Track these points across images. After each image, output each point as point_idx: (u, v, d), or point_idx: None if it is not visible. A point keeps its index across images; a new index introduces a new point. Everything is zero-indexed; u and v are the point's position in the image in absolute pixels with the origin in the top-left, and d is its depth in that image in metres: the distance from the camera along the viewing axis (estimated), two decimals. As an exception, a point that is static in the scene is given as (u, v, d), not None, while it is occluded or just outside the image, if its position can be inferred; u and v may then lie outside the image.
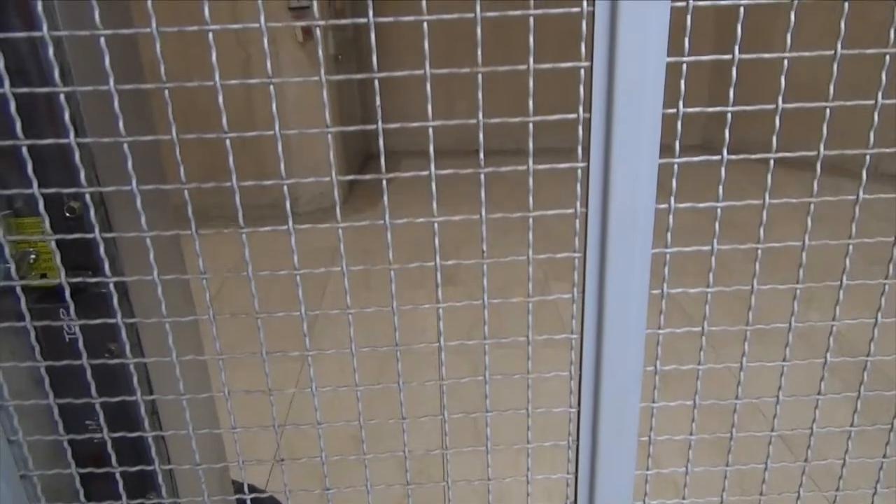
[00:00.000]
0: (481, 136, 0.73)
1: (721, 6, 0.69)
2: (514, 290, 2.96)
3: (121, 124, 0.67)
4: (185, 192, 0.70)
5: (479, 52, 0.69)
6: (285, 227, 0.74)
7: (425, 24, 0.67)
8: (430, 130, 0.71)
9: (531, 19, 0.68)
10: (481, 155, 0.74)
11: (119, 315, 0.79)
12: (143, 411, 0.83)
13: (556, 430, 0.88)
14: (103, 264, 0.74)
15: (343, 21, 0.70)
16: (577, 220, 0.75)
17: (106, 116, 0.82)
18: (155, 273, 0.75)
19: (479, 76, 0.70)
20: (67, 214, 0.85)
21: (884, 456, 0.89)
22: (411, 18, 0.68)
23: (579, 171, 0.73)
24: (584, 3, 0.66)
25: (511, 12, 0.68)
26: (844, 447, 0.87)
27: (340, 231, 0.74)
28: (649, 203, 0.73)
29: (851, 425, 0.87)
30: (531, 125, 0.71)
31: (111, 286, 0.80)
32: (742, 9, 0.68)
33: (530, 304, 0.80)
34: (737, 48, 0.69)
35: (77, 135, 0.80)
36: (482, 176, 0.74)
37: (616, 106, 0.69)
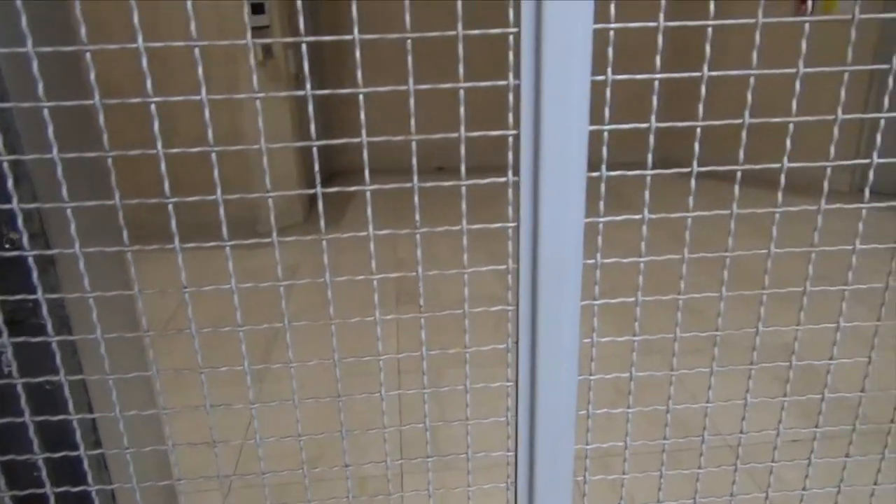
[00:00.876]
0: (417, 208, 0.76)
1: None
2: (474, 304, 3.00)
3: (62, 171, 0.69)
4: (127, 241, 0.72)
5: (413, 122, 0.73)
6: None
7: (360, 97, 0.70)
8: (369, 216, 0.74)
9: (461, 91, 0.72)
10: (417, 217, 0.78)
11: (59, 357, 0.80)
12: (86, 464, 0.84)
13: (499, 470, 0.92)
14: (41, 306, 0.75)
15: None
16: (510, 276, 0.79)
17: (49, 150, 0.83)
18: (96, 321, 0.76)
19: (413, 143, 0.73)
20: (7, 246, 0.84)
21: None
22: (349, 91, 0.71)
23: (510, 231, 0.77)
24: (511, 77, 0.70)
25: (442, 85, 0.71)
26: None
27: (283, 302, 0.77)
28: (577, 259, 0.77)
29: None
30: (463, 204, 0.74)
31: (49, 322, 0.80)
32: (656, 82, 0.73)
33: (468, 353, 0.83)
34: (653, 117, 0.74)
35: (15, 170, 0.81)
36: (417, 236, 0.77)
37: (542, 171, 0.73)
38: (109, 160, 0.68)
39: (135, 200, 0.69)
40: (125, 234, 0.70)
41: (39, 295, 0.73)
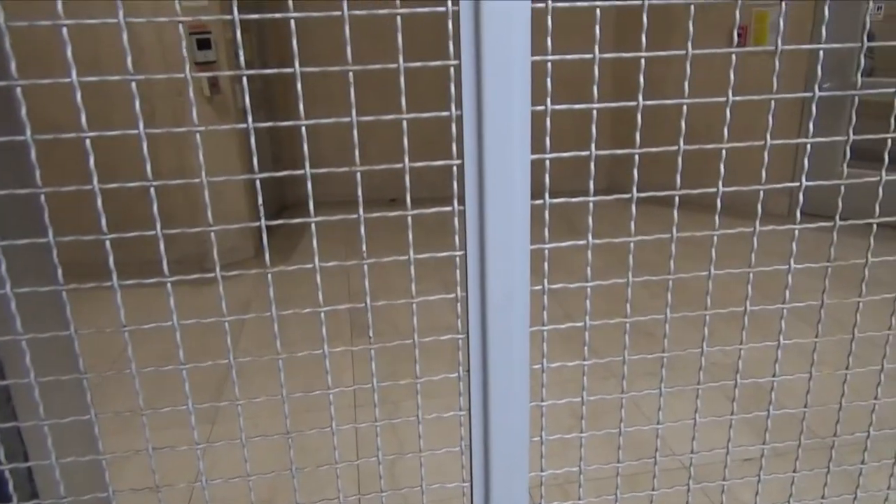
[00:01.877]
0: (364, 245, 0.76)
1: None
2: (429, 335, 2.98)
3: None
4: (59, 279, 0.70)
5: (357, 153, 0.73)
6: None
7: (303, 129, 0.70)
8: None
9: (404, 122, 0.73)
10: (364, 248, 0.77)
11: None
12: (21, 517, 0.79)
13: (457, 501, 0.90)
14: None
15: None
16: (458, 304, 0.79)
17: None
18: (30, 364, 0.73)
19: (358, 174, 0.73)
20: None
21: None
22: (290, 123, 0.71)
23: (457, 259, 0.77)
24: (453, 108, 0.71)
25: (385, 116, 0.72)
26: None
27: (229, 339, 0.75)
28: (524, 286, 0.78)
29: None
30: (410, 234, 0.74)
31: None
32: (595, 112, 0.75)
33: (419, 384, 0.83)
34: (593, 146, 0.76)
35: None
36: (365, 267, 0.77)
37: (486, 200, 0.74)
38: (42, 197, 0.66)
39: (69, 237, 0.67)
40: (59, 272, 0.68)
41: (-33, 339, 0.69)
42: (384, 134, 5.06)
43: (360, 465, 1.95)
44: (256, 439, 0.80)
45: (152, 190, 0.67)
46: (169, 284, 0.72)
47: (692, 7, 0.72)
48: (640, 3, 0.72)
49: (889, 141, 0.84)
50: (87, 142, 0.65)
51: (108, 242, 0.68)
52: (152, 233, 0.69)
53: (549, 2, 0.69)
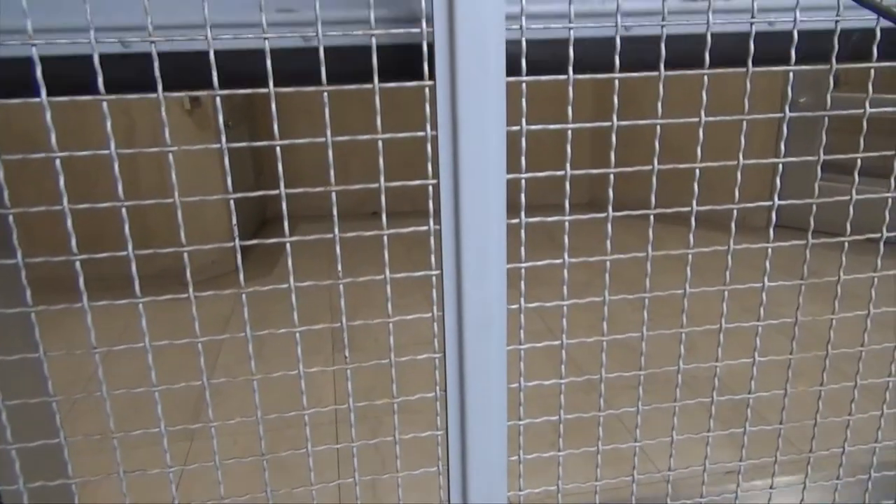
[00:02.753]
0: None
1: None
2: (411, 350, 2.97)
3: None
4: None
5: (332, 172, 0.73)
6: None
7: (278, 149, 0.70)
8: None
9: (379, 142, 0.72)
10: (339, 266, 0.77)
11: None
12: (-13, 544, 0.77)
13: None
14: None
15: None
16: (435, 324, 0.79)
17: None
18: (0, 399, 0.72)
19: (333, 195, 0.73)
20: None
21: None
22: (265, 143, 0.70)
23: (434, 278, 0.77)
24: (428, 128, 0.71)
25: (360, 136, 0.72)
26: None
27: (202, 359, 0.74)
28: (501, 305, 0.78)
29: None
30: (386, 253, 0.74)
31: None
32: (570, 131, 0.76)
33: (395, 404, 0.82)
34: (568, 165, 0.77)
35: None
36: (341, 286, 0.76)
37: (462, 219, 0.74)
38: (11, 217, 0.65)
39: (39, 259, 0.66)
40: (28, 294, 0.67)
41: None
42: (366, 147, 5.06)
43: (340, 486, 1.93)
44: (230, 462, 0.79)
45: (124, 210, 0.67)
46: (140, 305, 0.71)
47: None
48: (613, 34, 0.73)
49: (859, 158, 0.85)
50: (58, 162, 0.64)
51: (77, 263, 0.67)
52: (124, 253, 0.69)
53: (523, 26, 0.70)
